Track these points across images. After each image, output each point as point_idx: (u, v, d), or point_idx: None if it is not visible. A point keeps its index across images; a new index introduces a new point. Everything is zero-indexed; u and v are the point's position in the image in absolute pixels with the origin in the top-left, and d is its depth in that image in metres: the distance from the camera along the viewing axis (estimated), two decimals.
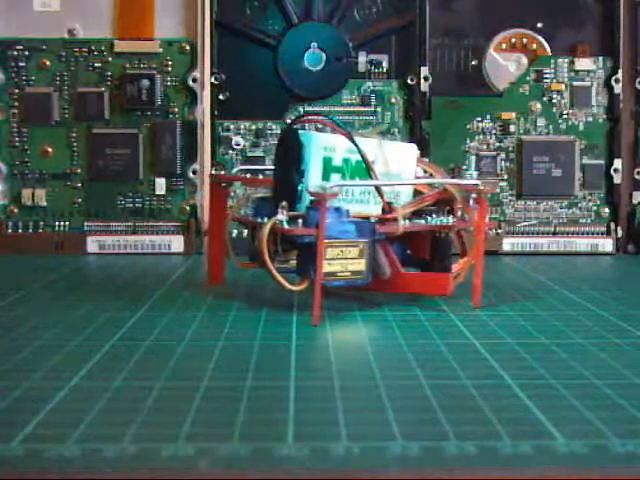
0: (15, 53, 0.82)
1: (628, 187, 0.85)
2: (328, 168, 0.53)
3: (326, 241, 0.50)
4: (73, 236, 0.83)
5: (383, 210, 0.53)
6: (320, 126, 0.64)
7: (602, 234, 0.84)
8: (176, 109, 0.82)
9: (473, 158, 0.57)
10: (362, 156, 0.52)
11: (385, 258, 0.54)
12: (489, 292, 0.60)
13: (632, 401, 0.34)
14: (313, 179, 0.52)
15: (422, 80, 0.83)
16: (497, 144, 0.84)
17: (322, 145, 0.53)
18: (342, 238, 0.51)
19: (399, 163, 0.55)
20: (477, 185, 0.54)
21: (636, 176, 0.84)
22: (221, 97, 0.83)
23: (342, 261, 0.51)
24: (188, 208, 0.83)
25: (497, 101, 0.84)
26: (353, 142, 0.52)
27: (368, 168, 0.52)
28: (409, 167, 0.56)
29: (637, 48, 0.83)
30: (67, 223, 0.83)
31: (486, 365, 0.40)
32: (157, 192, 0.83)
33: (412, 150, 0.57)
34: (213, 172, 0.61)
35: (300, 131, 0.54)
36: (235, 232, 0.80)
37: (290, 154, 0.53)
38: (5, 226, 0.83)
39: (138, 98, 0.82)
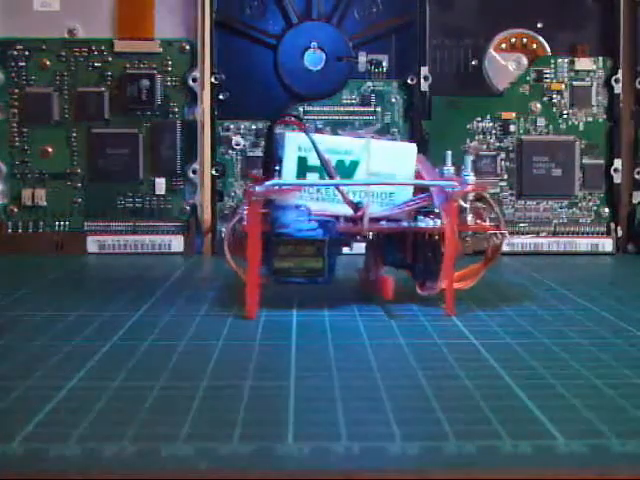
0: (15, 53, 0.82)
1: (628, 187, 0.85)
2: (303, 167, 0.53)
3: (279, 238, 0.50)
4: (73, 236, 0.83)
5: (355, 210, 0.53)
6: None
7: (602, 234, 0.84)
8: (176, 109, 0.82)
9: (470, 158, 0.56)
10: (318, 154, 0.52)
11: (373, 262, 0.55)
12: (489, 292, 0.60)
13: (632, 401, 0.34)
14: (288, 178, 0.53)
15: (422, 80, 0.83)
16: (497, 144, 0.84)
17: (297, 145, 0.53)
18: (297, 235, 0.51)
19: (391, 164, 0.54)
20: (448, 187, 0.52)
21: (636, 176, 0.84)
22: (221, 97, 0.83)
23: (297, 258, 0.51)
24: (188, 208, 0.83)
25: (497, 101, 0.84)
26: (310, 139, 0.52)
27: (325, 166, 0.52)
28: (404, 168, 0.54)
29: (637, 48, 0.83)
30: (67, 223, 0.83)
31: (486, 365, 0.40)
32: (157, 192, 0.83)
33: (410, 150, 0.55)
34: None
35: (279, 131, 0.55)
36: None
37: (268, 153, 0.54)
38: (5, 226, 0.83)
39: (138, 98, 0.82)
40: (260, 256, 0.51)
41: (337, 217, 0.52)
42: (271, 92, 0.83)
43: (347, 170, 0.53)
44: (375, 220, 0.53)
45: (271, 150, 0.55)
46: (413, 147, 0.55)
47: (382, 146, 0.55)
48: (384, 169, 0.54)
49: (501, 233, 0.54)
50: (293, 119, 0.57)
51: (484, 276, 0.55)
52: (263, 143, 0.57)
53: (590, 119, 0.85)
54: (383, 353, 0.43)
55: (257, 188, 0.52)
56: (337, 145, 0.54)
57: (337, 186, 0.53)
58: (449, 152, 0.56)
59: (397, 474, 0.27)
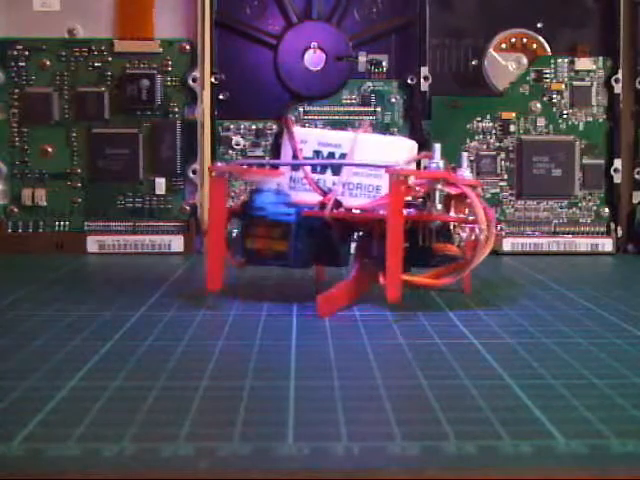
0: (15, 53, 0.82)
1: (628, 187, 0.85)
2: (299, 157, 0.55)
3: (250, 219, 0.53)
4: (73, 236, 0.83)
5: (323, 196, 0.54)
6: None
7: (602, 234, 0.84)
8: (176, 109, 0.82)
9: (464, 154, 0.55)
10: (292, 145, 0.55)
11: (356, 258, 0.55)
12: (489, 292, 0.60)
13: (632, 401, 0.34)
14: (283, 169, 0.56)
15: (422, 80, 0.83)
16: (497, 144, 0.84)
17: None
18: (265, 218, 0.52)
19: (378, 157, 0.53)
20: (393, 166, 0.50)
21: (636, 176, 0.84)
22: (221, 97, 0.83)
23: (266, 240, 0.52)
24: (188, 208, 0.83)
25: (497, 101, 0.84)
26: (288, 130, 0.55)
27: (295, 155, 0.55)
28: (390, 162, 0.52)
29: (637, 48, 0.83)
30: (67, 223, 0.83)
31: (486, 365, 0.40)
32: (157, 192, 0.83)
33: (404, 145, 0.55)
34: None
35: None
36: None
37: (273, 150, 0.57)
38: (5, 226, 0.83)
39: (138, 98, 0.82)
40: (225, 234, 0.54)
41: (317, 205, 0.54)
42: (271, 92, 0.83)
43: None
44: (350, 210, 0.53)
45: (278, 146, 0.57)
46: (408, 142, 0.56)
47: (370, 139, 0.55)
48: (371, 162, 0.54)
49: (479, 228, 0.51)
50: (289, 121, 0.59)
51: (464, 276, 0.54)
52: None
53: (590, 119, 0.85)
54: (383, 353, 0.43)
55: (219, 164, 0.54)
56: (328, 138, 0.55)
57: (305, 173, 0.55)
58: (465, 154, 0.55)
59: (397, 474, 0.27)
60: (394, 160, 0.53)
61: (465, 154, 0.55)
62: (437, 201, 0.52)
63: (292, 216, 0.52)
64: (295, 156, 0.55)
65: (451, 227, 0.52)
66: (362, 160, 0.54)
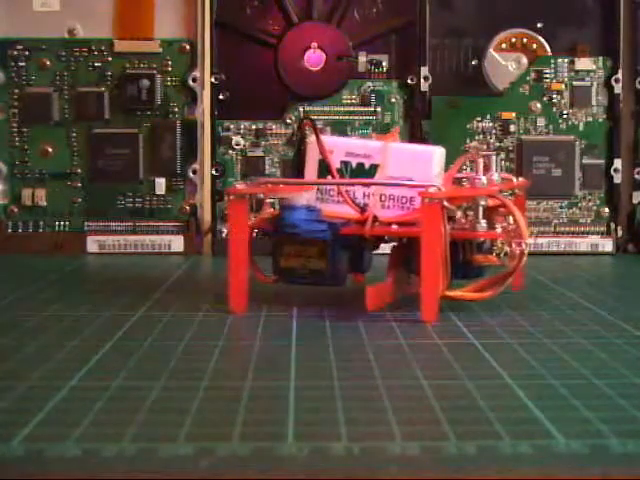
0: (15, 53, 0.82)
1: (628, 187, 0.85)
2: (324, 170, 0.54)
3: (284, 237, 0.51)
4: (73, 236, 0.83)
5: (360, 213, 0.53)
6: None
7: (602, 234, 0.84)
8: (176, 109, 0.82)
9: (493, 157, 0.53)
10: (324, 157, 0.53)
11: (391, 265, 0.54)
12: None
13: (632, 401, 0.34)
14: (309, 179, 0.54)
15: (422, 80, 0.83)
16: (497, 144, 0.84)
17: (318, 149, 0.53)
18: (301, 235, 0.51)
19: (409, 167, 0.53)
20: (428, 189, 0.49)
21: (636, 176, 0.84)
22: (221, 97, 0.83)
23: (301, 258, 0.51)
24: (188, 208, 0.83)
25: (497, 101, 0.84)
26: (316, 135, 0.53)
27: (329, 169, 0.53)
28: (423, 172, 0.52)
29: (637, 48, 0.83)
30: (67, 223, 0.83)
31: (486, 365, 0.40)
32: (157, 192, 0.83)
33: (433, 154, 0.53)
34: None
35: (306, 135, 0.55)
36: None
37: (294, 157, 0.55)
38: (5, 226, 0.83)
39: (138, 98, 0.82)
40: (248, 254, 0.52)
41: (349, 220, 0.52)
42: (271, 92, 0.83)
43: (367, 174, 0.53)
44: (387, 224, 0.52)
45: (301, 154, 0.55)
46: (437, 151, 0.54)
47: (402, 149, 0.54)
48: (402, 173, 0.53)
49: (518, 242, 0.50)
50: (310, 123, 0.56)
51: (503, 289, 0.53)
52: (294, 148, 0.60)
53: (590, 119, 0.84)
54: (383, 353, 0.43)
55: (238, 186, 0.53)
56: (357, 148, 0.54)
57: (340, 190, 0.53)
58: (493, 156, 0.54)
59: (397, 474, 0.27)
60: (429, 172, 0.52)
61: (494, 156, 0.54)
62: (481, 217, 0.51)
63: (327, 232, 0.51)
64: (328, 164, 0.53)
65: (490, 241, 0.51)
66: (395, 174, 0.53)
